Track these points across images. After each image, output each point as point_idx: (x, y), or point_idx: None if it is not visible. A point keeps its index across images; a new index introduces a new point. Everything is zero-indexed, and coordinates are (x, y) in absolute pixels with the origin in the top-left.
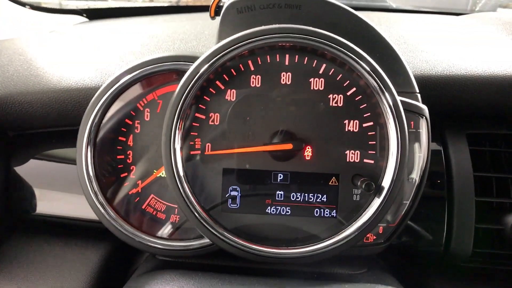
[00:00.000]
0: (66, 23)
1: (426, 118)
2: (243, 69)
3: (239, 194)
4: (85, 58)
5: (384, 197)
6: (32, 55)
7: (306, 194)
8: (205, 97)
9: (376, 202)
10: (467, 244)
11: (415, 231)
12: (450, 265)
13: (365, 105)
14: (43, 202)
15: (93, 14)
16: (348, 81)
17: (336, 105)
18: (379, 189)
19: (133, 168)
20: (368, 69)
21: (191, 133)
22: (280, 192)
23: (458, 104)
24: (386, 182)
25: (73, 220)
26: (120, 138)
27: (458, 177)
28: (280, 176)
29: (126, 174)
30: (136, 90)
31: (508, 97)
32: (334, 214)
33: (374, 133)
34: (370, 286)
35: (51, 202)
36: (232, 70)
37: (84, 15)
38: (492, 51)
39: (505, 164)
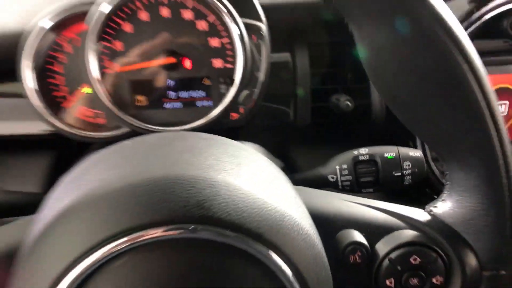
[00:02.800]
0: None
1: (264, 36)
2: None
3: (144, 94)
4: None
5: (238, 87)
6: None
7: (190, 92)
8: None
9: (232, 91)
10: (307, 117)
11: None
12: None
13: (222, 28)
14: None
15: None
16: (210, 11)
17: (202, 29)
18: (233, 82)
19: (65, 88)
20: (222, 6)
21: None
22: (172, 93)
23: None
24: (237, 77)
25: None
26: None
27: (300, 72)
28: (170, 82)
29: (61, 94)
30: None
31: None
32: (211, 104)
33: (229, 46)
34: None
35: None
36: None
37: None
38: None
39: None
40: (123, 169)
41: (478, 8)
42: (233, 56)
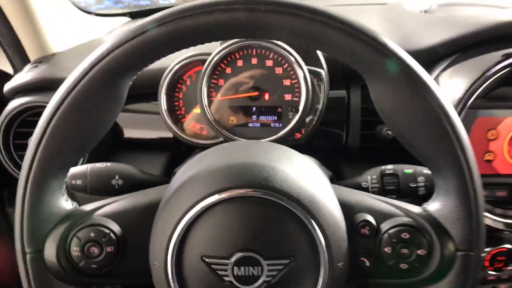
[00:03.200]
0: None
1: (323, 78)
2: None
3: (235, 116)
4: None
5: (300, 114)
6: None
7: (267, 116)
8: (216, 71)
9: (297, 117)
10: (356, 141)
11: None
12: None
13: (293, 72)
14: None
15: (135, 15)
16: (285, 60)
17: (279, 73)
18: (298, 109)
19: (183, 109)
20: (292, 58)
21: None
22: (254, 116)
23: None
24: (301, 107)
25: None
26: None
27: (353, 106)
28: (253, 108)
29: (180, 112)
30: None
31: None
32: (281, 126)
33: (297, 85)
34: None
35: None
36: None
37: (128, 16)
38: None
39: None
40: (223, 157)
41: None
42: (299, 92)
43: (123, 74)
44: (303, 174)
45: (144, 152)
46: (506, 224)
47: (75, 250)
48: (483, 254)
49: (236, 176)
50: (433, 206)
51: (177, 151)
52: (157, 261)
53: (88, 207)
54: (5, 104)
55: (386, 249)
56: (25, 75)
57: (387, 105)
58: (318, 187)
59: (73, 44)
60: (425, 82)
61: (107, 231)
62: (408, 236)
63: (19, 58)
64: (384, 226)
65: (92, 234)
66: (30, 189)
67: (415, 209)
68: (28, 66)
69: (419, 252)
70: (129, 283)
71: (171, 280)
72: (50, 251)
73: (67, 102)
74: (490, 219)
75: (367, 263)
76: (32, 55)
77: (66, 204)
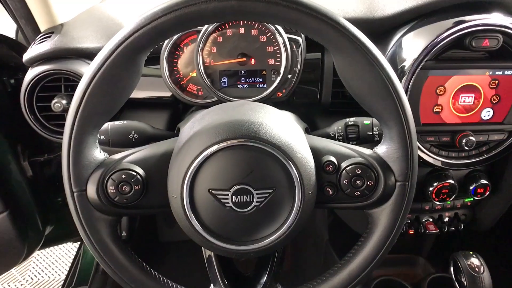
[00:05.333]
0: None
1: (300, 44)
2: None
3: (226, 79)
4: None
5: (281, 76)
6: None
7: (253, 78)
8: (208, 40)
9: (278, 78)
10: (328, 97)
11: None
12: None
13: (275, 40)
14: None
15: None
16: (268, 30)
17: (263, 40)
18: (279, 72)
19: (181, 72)
20: (274, 28)
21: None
22: (242, 78)
23: None
24: (282, 70)
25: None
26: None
27: (326, 66)
28: (242, 72)
29: (179, 75)
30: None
31: None
32: (265, 86)
33: (278, 51)
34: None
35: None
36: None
37: None
38: None
39: None
40: (221, 115)
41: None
42: (280, 57)
43: (141, 51)
44: (282, 127)
45: (146, 110)
46: (448, 163)
47: (111, 189)
48: (431, 188)
49: (232, 130)
50: (381, 149)
51: (176, 109)
52: (175, 194)
53: (116, 156)
54: (19, 71)
55: (344, 181)
56: (41, 46)
57: (347, 74)
58: (294, 137)
59: (73, 12)
60: (375, 56)
61: (134, 173)
62: (360, 171)
63: (31, 29)
64: (343, 165)
65: (123, 176)
66: (73, 144)
67: (367, 151)
68: (40, 37)
69: (368, 183)
70: (152, 212)
71: (186, 207)
72: (91, 190)
73: (99, 75)
74: (432, 157)
75: (330, 192)
76: (42, 26)
77: (99, 154)
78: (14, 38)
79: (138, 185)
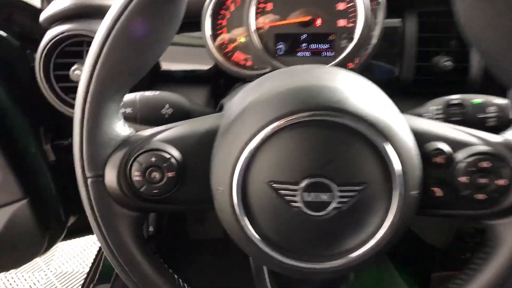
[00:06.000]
0: None
1: (381, 1)
2: None
3: (283, 45)
4: None
5: (355, 42)
6: None
7: (318, 44)
8: None
9: (351, 45)
10: (411, 74)
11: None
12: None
13: None
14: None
15: None
16: None
17: None
18: (353, 39)
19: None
20: None
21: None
22: (304, 44)
23: None
24: (356, 35)
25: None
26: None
27: (408, 36)
28: (303, 35)
29: (224, 41)
30: None
31: None
32: (332, 54)
33: (352, 9)
34: None
35: None
36: None
37: None
38: None
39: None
40: (287, 80)
41: None
42: (355, 18)
43: None
44: (376, 99)
45: (182, 85)
46: None
47: (136, 175)
48: None
49: (303, 99)
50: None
51: (216, 85)
52: (221, 186)
53: (146, 132)
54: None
55: (461, 179)
56: (61, 2)
57: (478, 20)
58: (392, 113)
59: None
60: None
61: (168, 155)
62: (487, 165)
63: None
64: (460, 155)
65: (153, 159)
66: (88, 112)
67: (494, 137)
68: None
69: (498, 182)
70: (188, 208)
71: (236, 205)
72: (110, 176)
73: (123, 18)
74: None
75: (439, 193)
76: None
77: (123, 129)
78: (40, 8)
79: (172, 172)
